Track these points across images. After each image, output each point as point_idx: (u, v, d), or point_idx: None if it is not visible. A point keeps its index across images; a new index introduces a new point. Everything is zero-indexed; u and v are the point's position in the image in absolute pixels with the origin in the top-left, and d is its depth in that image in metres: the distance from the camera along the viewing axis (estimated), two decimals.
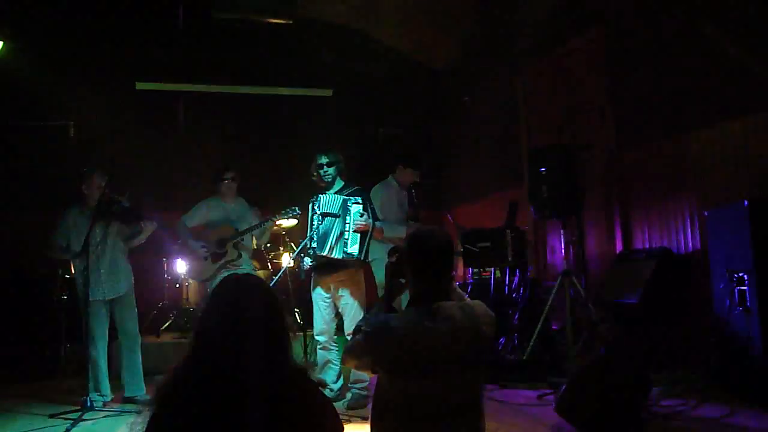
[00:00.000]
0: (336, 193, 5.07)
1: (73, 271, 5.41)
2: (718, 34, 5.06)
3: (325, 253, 4.89)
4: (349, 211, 4.85)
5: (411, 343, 2.35)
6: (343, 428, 1.92)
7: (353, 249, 4.84)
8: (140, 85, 8.97)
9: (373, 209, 5.04)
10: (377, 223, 5.07)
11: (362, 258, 4.92)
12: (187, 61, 8.93)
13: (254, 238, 5.91)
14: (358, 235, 4.86)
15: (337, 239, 4.86)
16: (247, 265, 5.99)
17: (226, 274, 5.60)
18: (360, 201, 4.89)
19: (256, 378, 1.76)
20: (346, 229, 4.84)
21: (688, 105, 5.53)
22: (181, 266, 7.88)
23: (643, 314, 5.42)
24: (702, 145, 5.42)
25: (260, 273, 7.37)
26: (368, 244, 4.94)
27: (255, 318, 1.85)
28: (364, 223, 4.84)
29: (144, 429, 1.81)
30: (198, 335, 1.90)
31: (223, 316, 1.86)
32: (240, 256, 5.85)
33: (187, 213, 5.98)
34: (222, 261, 5.78)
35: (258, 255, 7.41)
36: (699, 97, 5.42)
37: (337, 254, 4.87)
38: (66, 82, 8.34)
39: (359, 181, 5.33)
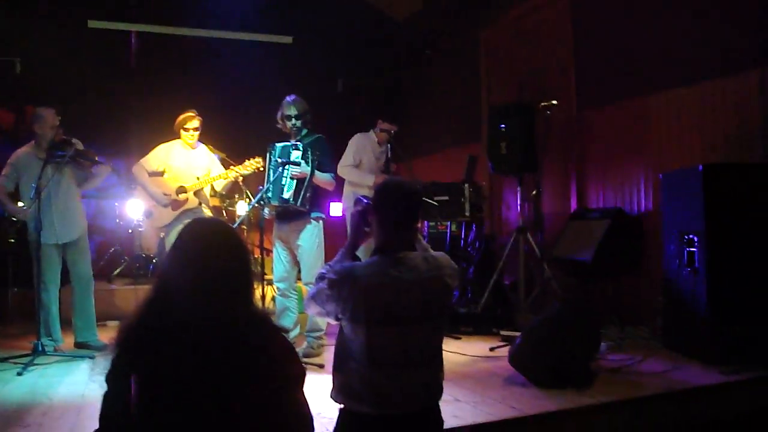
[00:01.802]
0: (297, 140, 5.00)
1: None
2: None
3: (275, 202, 4.86)
4: (289, 157, 4.81)
5: (376, 291, 2.36)
6: (305, 373, 1.92)
7: (288, 194, 4.79)
8: (93, 23, 8.64)
9: (317, 155, 4.92)
10: (326, 175, 5.01)
11: (298, 204, 4.82)
12: (143, 1, 8.62)
13: (213, 186, 5.76)
14: (295, 181, 4.82)
15: (282, 186, 4.82)
16: (206, 214, 5.76)
17: (186, 221, 5.54)
18: (299, 147, 4.83)
19: (221, 323, 1.75)
20: (284, 175, 4.80)
21: (650, 68, 5.60)
22: (133, 211, 7.75)
23: (595, 272, 5.56)
24: (660, 108, 5.51)
25: None
26: (305, 191, 4.85)
27: (222, 262, 1.83)
28: (300, 171, 4.79)
29: (106, 374, 1.80)
30: (162, 278, 1.88)
31: (189, 260, 1.84)
32: (200, 204, 5.71)
33: (144, 157, 5.74)
34: (182, 208, 5.63)
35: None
36: (660, 61, 5.49)
37: (274, 200, 4.84)
38: (14, 16, 7.98)
39: (319, 130, 5.27)
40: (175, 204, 5.60)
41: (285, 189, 4.81)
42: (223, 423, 1.70)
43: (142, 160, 5.70)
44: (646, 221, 5.60)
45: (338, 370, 2.51)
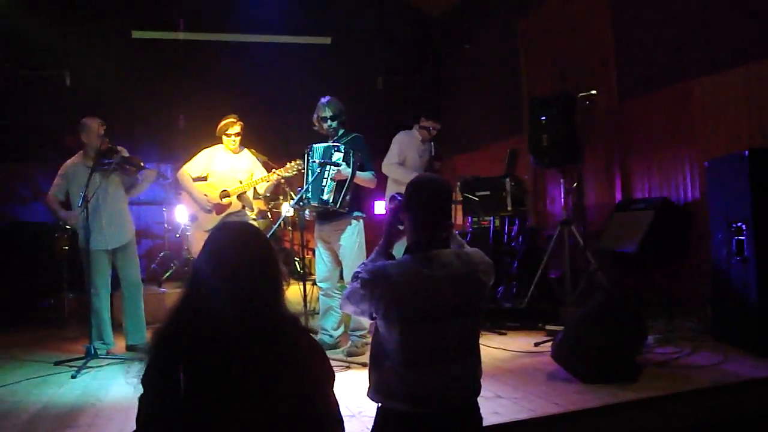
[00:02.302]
0: (335, 140, 5.04)
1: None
2: None
3: (315, 203, 4.90)
4: (331, 159, 4.84)
5: (408, 290, 2.37)
6: (333, 373, 1.94)
7: (328, 196, 4.83)
8: (137, 34, 8.84)
9: (359, 156, 4.93)
10: (367, 174, 5.02)
11: (337, 206, 4.86)
12: (184, 10, 8.78)
13: (256, 189, 5.82)
14: (335, 183, 4.85)
15: (320, 186, 4.86)
16: (249, 218, 5.88)
17: None
18: (341, 149, 4.85)
19: (249, 324, 1.78)
20: (325, 176, 4.83)
21: (691, 53, 5.48)
22: (181, 216, 7.91)
23: (641, 263, 5.46)
24: (704, 94, 5.38)
25: (260, 223, 7.37)
26: (345, 193, 4.88)
27: (248, 264, 1.86)
28: (339, 172, 4.81)
29: (141, 377, 1.84)
30: (192, 280, 1.91)
31: (217, 262, 1.87)
32: (243, 207, 5.78)
33: (188, 162, 5.85)
34: (226, 212, 5.70)
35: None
36: (702, 44, 5.36)
37: (313, 200, 4.88)
38: (62, 31, 8.22)
39: (358, 129, 5.30)
40: (219, 208, 5.69)
41: (325, 190, 4.85)
42: (252, 423, 1.73)
43: (186, 166, 5.81)
44: (692, 210, 5.48)
45: (374, 369, 2.52)
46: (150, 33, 8.96)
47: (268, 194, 6.23)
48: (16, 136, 8.37)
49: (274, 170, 5.55)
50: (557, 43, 7.34)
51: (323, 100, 5.13)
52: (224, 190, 5.69)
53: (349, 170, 4.85)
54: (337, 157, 4.84)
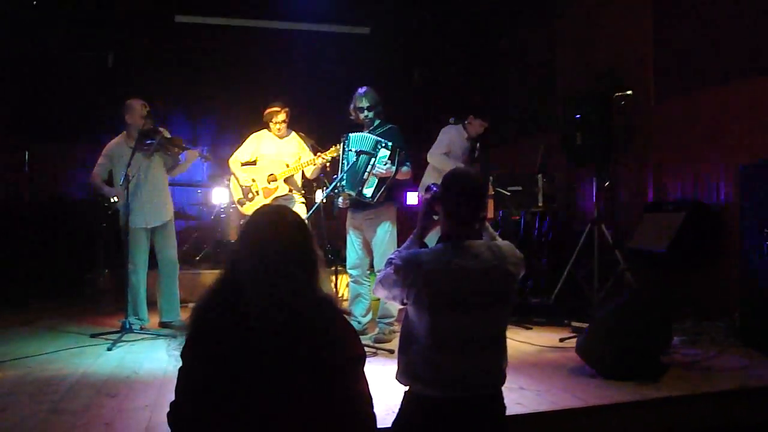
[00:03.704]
0: (371, 131, 5.12)
1: (113, 200, 5.53)
2: None
3: (351, 191, 4.99)
4: (376, 154, 4.91)
5: (439, 278, 2.45)
6: (365, 354, 2.01)
7: (368, 191, 4.93)
8: (179, 18, 8.99)
9: (402, 154, 4.99)
10: (405, 167, 5.08)
11: (374, 201, 4.96)
12: None
13: (304, 172, 5.86)
14: (377, 179, 4.94)
15: (360, 178, 4.94)
16: (297, 201, 5.91)
17: None
18: (389, 147, 4.90)
19: (285, 305, 1.85)
20: (368, 170, 4.91)
21: (728, 57, 5.45)
22: (216, 198, 8.06)
23: (670, 264, 5.47)
24: (740, 98, 5.36)
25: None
26: (385, 188, 4.98)
27: (285, 246, 1.94)
28: (385, 170, 4.88)
29: (181, 351, 1.94)
30: (230, 261, 1.99)
31: (254, 245, 1.95)
32: (291, 191, 5.85)
33: (238, 149, 5.97)
34: (272, 196, 5.80)
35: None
36: (740, 49, 5.33)
37: (352, 191, 4.98)
38: (106, 13, 8.39)
39: (393, 120, 5.36)
40: (266, 192, 5.79)
41: (366, 185, 4.94)
42: (287, 400, 1.81)
43: (236, 152, 5.95)
44: (724, 213, 5.46)
45: (403, 353, 2.61)
46: (192, 18, 9.10)
47: (315, 178, 6.27)
48: (59, 115, 8.58)
49: (319, 153, 5.59)
50: (595, 41, 7.32)
51: (360, 90, 5.19)
52: (271, 174, 5.78)
53: (394, 168, 4.93)
54: (384, 154, 4.90)
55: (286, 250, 1.92)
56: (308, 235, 2.04)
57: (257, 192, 5.82)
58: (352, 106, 5.20)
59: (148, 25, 8.75)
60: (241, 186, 5.89)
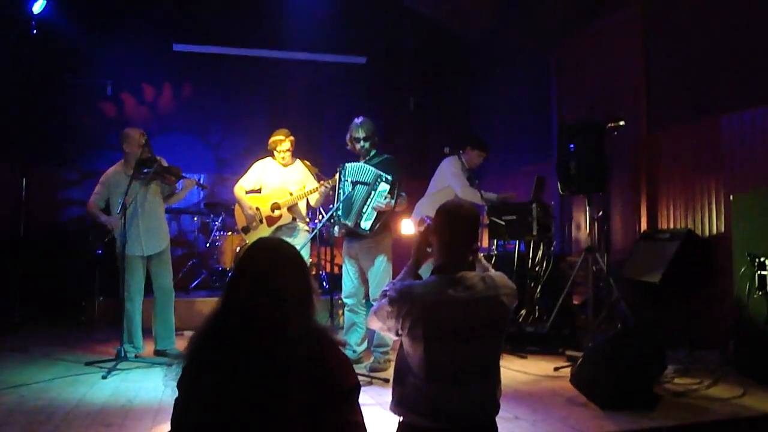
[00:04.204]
0: (367, 161, 5.17)
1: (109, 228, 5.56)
2: None
3: (346, 222, 5.03)
4: (376, 188, 4.95)
5: (433, 309, 2.47)
6: (359, 384, 2.03)
7: (366, 224, 4.96)
8: (178, 47, 9.09)
9: (400, 186, 5.03)
10: (401, 199, 5.12)
11: (369, 233, 4.99)
12: (224, 25, 9.02)
13: (308, 201, 5.85)
14: (376, 213, 4.98)
15: (358, 210, 4.98)
16: (301, 230, 5.92)
17: (281, 236, 5.74)
18: (389, 180, 4.93)
19: (281, 335, 1.88)
20: (367, 203, 4.95)
21: (721, 88, 5.53)
22: (213, 225, 8.08)
23: (664, 293, 5.50)
24: (732, 129, 5.43)
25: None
26: (381, 221, 5.02)
27: (281, 279, 1.97)
28: (384, 204, 4.92)
29: (177, 380, 1.95)
30: (227, 292, 2.02)
31: (251, 277, 1.97)
32: (294, 219, 5.86)
33: (243, 177, 5.99)
34: (276, 224, 5.80)
35: None
36: (732, 80, 5.42)
37: (350, 222, 5.01)
38: (105, 42, 8.49)
39: (389, 148, 5.40)
40: (270, 220, 5.80)
41: (364, 218, 4.97)
42: (280, 430, 1.83)
43: (241, 180, 5.97)
44: (717, 243, 5.51)
45: (398, 384, 2.63)
46: (190, 46, 9.20)
47: (319, 207, 6.26)
48: (57, 142, 8.64)
49: (322, 182, 5.59)
50: (589, 71, 7.42)
51: (357, 120, 5.25)
52: (275, 202, 5.79)
53: (393, 202, 4.97)
54: (384, 188, 4.94)
55: (281, 283, 1.95)
56: (304, 268, 2.08)
57: (261, 220, 5.83)
58: (348, 136, 5.25)
59: (146, 54, 8.83)
60: (245, 214, 5.90)
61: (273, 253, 2.04)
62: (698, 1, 5.80)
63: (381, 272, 5.10)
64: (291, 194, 5.79)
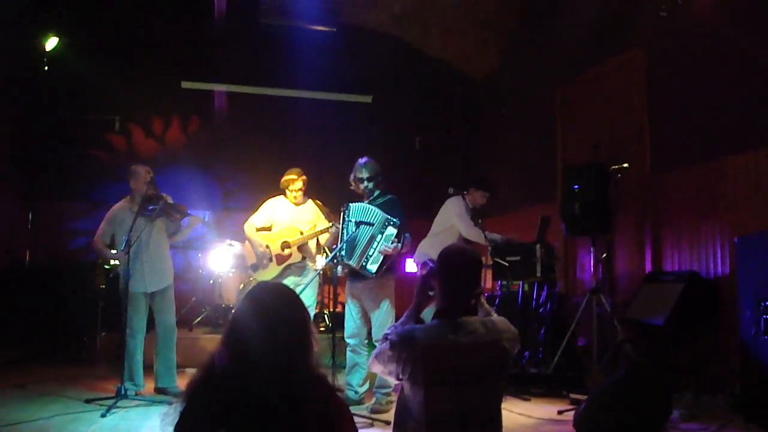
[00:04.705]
0: (370, 201, 5.19)
1: (113, 263, 5.57)
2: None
3: (350, 262, 5.03)
4: (383, 232, 4.97)
5: (433, 354, 2.47)
6: (357, 431, 2.03)
7: (372, 267, 4.97)
8: (186, 84, 9.21)
9: (403, 227, 5.07)
10: (407, 241, 5.15)
11: (375, 275, 5.01)
12: (232, 63, 9.14)
13: (319, 240, 5.84)
14: (382, 256, 4.99)
15: (363, 251, 4.98)
16: (310, 270, 5.88)
17: (291, 275, 5.75)
18: (397, 224, 4.96)
19: (280, 380, 1.88)
20: (374, 246, 4.96)
21: (725, 130, 5.55)
22: (215, 262, 8.06)
23: (669, 336, 5.45)
24: (736, 171, 5.44)
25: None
26: (387, 264, 5.04)
27: (281, 325, 1.97)
28: (391, 248, 4.95)
29: (175, 421, 1.95)
30: (227, 336, 2.02)
31: (252, 323, 1.98)
32: (304, 259, 5.85)
33: (254, 214, 6.00)
34: (286, 263, 5.79)
35: None
36: (737, 122, 5.44)
37: (354, 263, 5.01)
38: (114, 78, 8.59)
39: (394, 187, 5.42)
40: (280, 258, 5.79)
41: (371, 261, 4.98)
42: None
43: (252, 217, 5.97)
44: (721, 285, 5.48)
45: (398, 427, 2.61)
46: (198, 84, 9.32)
47: (329, 247, 6.26)
48: (63, 176, 8.71)
49: (332, 222, 5.59)
50: (593, 112, 7.47)
51: (361, 161, 5.28)
52: (285, 241, 5.78)
53: (400, 246, 4.99)
54: (391, 231, 4.96)
55: (281, 329, 1.95)
56: (304, 314, 2.08)
57: (271, 258, 5.82)
58: (352, 176, 5.29)
59: (154, 90, 8.94)
60: (255, 251, 5.89)
61: (272, 298, 2.05)
62: (701, 43, 5.85)
63: (384, 313, 5.10)
64: (301, 233, 5.79)
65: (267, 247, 5.82)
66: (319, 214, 5.95)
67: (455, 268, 2.63)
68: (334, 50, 9.08)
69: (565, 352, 5.89)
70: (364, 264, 4.97)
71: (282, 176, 5.91)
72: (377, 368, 2.70)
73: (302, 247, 5.82)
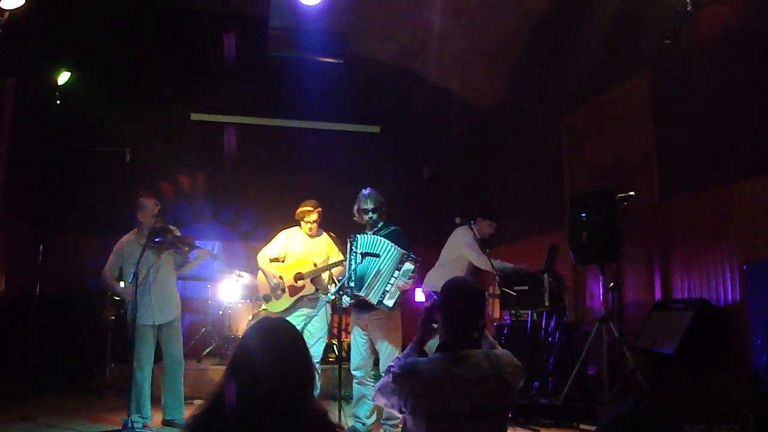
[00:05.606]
0: (375, 232, 5.20)
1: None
2: None
3: (361, 294, 5.02)
4: (401, 267, 4.98)
5: (436, 387, 2.45)
6: None
7: (389, 302, 4.98)
8: (195, 116, 9.30)
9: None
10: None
11: (391, 308, 5.03)
12: (240, 95, 9.24)
13: (331, 273, 5.82)
14: (399, 292, 4.99)
15: (374, 281, 4.99)
16: (323, 302, 5.75)
17: (303, 308, 5.75)
18: (416, 260, 5.00)
19: (281, 417, 1.88)
20: (392, 282, 4.96)
21: (732, 156, 5.54)
22: (224, 293, 8.07)
23: (679, 365, 5.39)
24: (743, 197, 5.41)
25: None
26: (403, 297, 5.06)
27: (283, 362, 1.97)
28: (411, 284, 4.97)
29: None
30: (229, 372, 2.02)
31: (253, 359, 1.98)
32: (317, 290, 5.85)
33: (267, 244, 6.03)
34: (299, 294, 5.81)
35: None
36: (743, 148, 5.42)
37: (372, 298, 5.01)
38: (124, 110, 8.69)
39: (403, 217, 5.43)
40: (293, 290, 5.80)
41: (388, 296, 4.98)
42: None
43: (265, 248, 6.00)
44: (732, 313, 5.42)
45: None
46: (207, 116, 9.41)
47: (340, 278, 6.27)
48: (76, 209, 8.77)
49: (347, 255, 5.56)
50: (599, 140, 7.48)
51: (364, 192, 5.31)
52: (298, 273, 5.79)
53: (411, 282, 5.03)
54: (409, 267, 4.99)
55: (283, 366, 1.95)
56: (305, 351, 2.08)
57: (284, 289, 5.82)
58: (356, 207, 5.31)
59: (164, 123, 9.04)
60: (269, 282, 5.89)
61: (274, 335, 2.05)
62: (706, 69, 5.86)
63: (391, 344, 5.07)
64: (315, 265, 5.79)
65: (280, 278, 5.82)
66: (333, 247, 5.98)
67: (457, 302, 2.63)
68: (342, 81, 9.14)
69: (575, 382, 5.84)
70: (381, 299, 4.97)
71: (297, 207, 5.94)
72: (381, 401, 2.69)
73: (315, 279, 5.82)
